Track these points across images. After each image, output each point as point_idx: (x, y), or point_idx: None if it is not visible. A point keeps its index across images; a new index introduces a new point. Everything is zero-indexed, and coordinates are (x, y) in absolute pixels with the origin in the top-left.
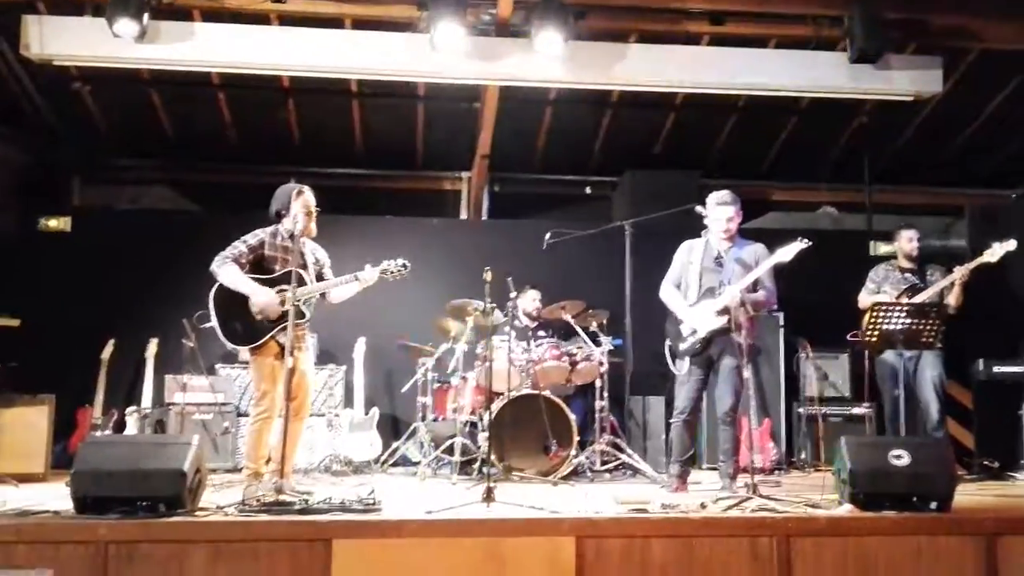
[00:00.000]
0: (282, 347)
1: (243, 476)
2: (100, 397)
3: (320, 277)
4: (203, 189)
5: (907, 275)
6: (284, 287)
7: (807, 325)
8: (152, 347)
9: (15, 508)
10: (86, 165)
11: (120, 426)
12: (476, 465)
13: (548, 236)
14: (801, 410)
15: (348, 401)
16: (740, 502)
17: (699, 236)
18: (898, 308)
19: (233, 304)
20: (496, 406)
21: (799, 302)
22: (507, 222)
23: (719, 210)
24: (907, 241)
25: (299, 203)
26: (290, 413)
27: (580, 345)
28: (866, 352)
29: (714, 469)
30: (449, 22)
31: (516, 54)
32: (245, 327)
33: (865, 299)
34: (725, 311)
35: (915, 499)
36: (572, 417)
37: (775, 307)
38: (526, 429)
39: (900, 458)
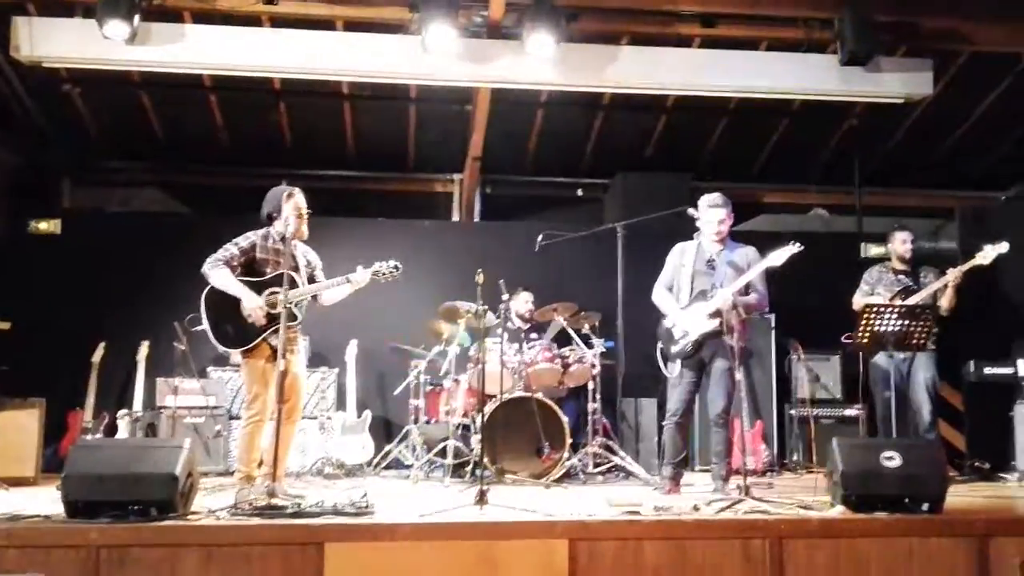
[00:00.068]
0: (274, 350)
1: (235, 480)
2: (91, 400)
3: (312, 279)
4: (194, 191)
5: (901, 277)
6: (276, 289)
7: (798, 327)
8: (143, 350)
9: (5, 512)
10: (76, 167)
11: (111, 429)
12: (469, 468)
13: (540, 238)
14: (793, 412)
15: (340, 404)
16: (732, 504)
17: (691, 238)
18: (890, 310)
19: (225, 307)
20: (489, 408)
21: (790, 304)
22: (499, 224)
23: (710, 212)
24: (901, 243)
25: (290, 205)
26: (282, 416)
27: (572, 349)
28: (860, 354)
29: (706, 471)
30: (441, 24)
31: (508, 56)
32: (237, 329)
33: (859, 301)
34: (717, 314)
35: (907, 500)
36: (564, 419)
37: (767, 310)
38: (519, 432)
39: (892, 460)
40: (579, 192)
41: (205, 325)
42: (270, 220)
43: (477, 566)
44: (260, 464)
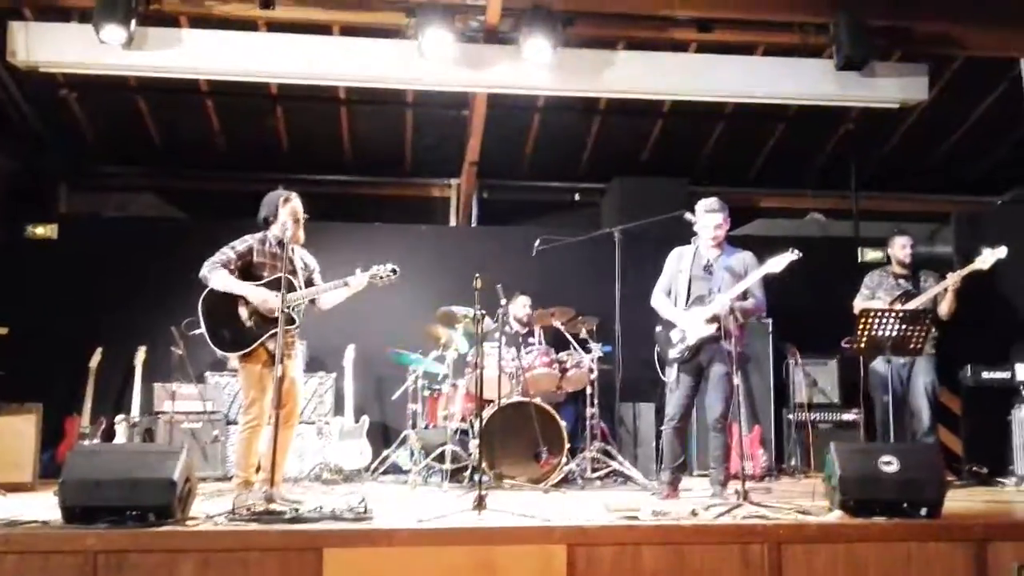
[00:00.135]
0: (271, 354)
1: (233, 485)
2: (88, 406)
3: (309, 283)
4: (191, 196)
5: (900, 281)
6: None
7: (795, 332)
8: (140, 355)
9: (3, 518)
10: (73, 172)
11: (108, 435)
12: (467, 473)
13: (537, 243)
14: (791, 416)
15: (338, 409)
16: (731, 509)
17: (688, 243)
18: (889, 314)
19: (222, 311)
20: (487, 413)
21: (787, 309)
22: (496, 229)
23: (707, 217)
24: (900, 247)
25: (287, 210)
26: (279, 421)
27: (570, 354)
28: (860, 359)
29: (705, 476)
30: (437, 29)
31: (504, 61)
32: (234, 334)
33: (860, 305)
34: (715, 319)
35: (905, 505)
36: (563, 424)
37: (764, 315)
38: (517, 436)
39: (890, 464)
40: (576, 197)
41: (203, 329)
42: (267, 224)
43: (475, 571)
44: (258, 469)
